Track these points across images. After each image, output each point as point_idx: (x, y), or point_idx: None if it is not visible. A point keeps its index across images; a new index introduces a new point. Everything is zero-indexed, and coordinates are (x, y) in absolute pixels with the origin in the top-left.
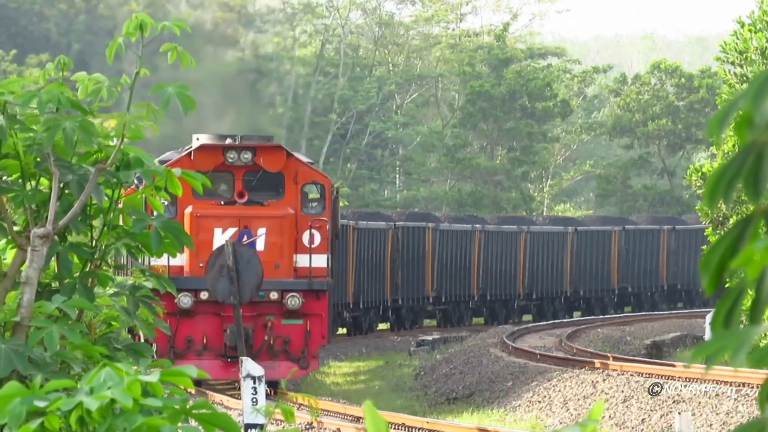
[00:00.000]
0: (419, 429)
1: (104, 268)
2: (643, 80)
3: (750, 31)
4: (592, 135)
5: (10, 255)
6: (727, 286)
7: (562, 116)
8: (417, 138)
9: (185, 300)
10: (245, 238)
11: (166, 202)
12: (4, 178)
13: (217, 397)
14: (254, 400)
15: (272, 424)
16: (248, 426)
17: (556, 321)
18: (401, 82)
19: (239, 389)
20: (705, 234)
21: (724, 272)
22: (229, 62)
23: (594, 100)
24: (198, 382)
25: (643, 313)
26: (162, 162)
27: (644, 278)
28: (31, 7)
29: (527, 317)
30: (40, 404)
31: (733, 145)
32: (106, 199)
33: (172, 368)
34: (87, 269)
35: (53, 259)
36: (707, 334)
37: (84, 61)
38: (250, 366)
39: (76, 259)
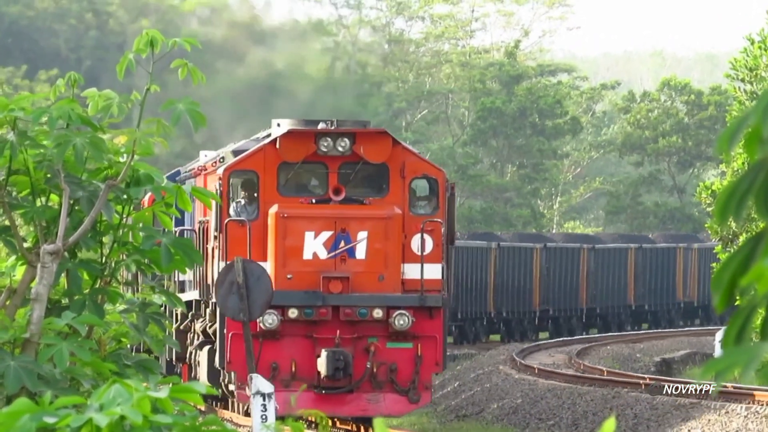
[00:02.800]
0: None
1: (114, 284)
2: (653, 97)
3: (760, 48)
4: (601, 152)
5: (20, 271)
6: (737, 303)
7: (572, 133)
8: (427, 155)
9: (270, 319)
10: (342, 243)
11: (243, 201)
12: (14, 194)
13: (227, 413)
14: (264, 417)
15: None
16: None
17: (566, 338)
18: (411, 100)
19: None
20: (623, 253)
21: (735, 289)
22: (239, 78)
23: (604, 117)
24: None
25: (654, 330)
26: (238, 152)
27: (564, 300)
28: (42, 23)
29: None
30: (50, 420)
31: (743, 163)
32: (116, 215)
33: (182, 385)
34: (97, 286)
35: (63, 275)
36: (717, 351)
37: (94, 77)
38: (259, 383)
39: (86, 276)
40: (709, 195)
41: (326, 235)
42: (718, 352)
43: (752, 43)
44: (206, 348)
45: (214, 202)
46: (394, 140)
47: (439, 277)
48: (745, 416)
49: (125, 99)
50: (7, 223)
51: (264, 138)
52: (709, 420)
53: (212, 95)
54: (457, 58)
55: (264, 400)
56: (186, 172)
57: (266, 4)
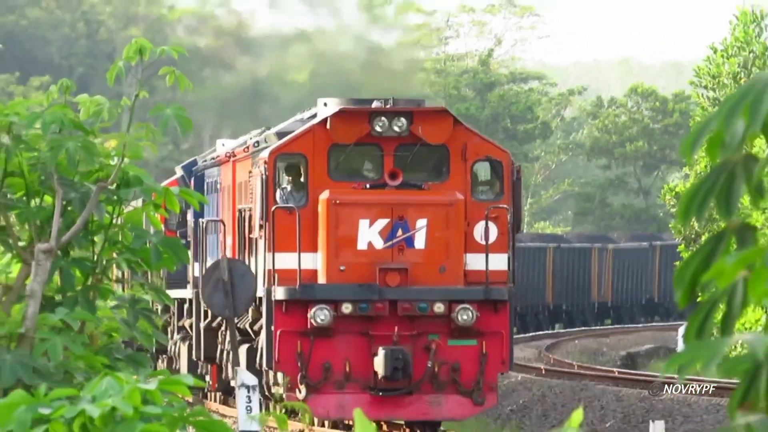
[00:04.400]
0: None
1: (105, 281)
2: (620, 103)
3: (722, 56)
4: (570, 155)
5: (15, 269)
6: (699, 299)
7: (542, 138)
8: None
9: (322, 315)
10: (400, 232)
11: (288, 188)
12: (10, 195)
13: (213, 405)
14: (248, 408)
15: (266, 431)
16: None
17: (535, 333)
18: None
19: None
20: (541, 252)
21: (697, 286)
22: (225, 84)
23: (573, 122)
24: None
25: (620, 325)
26: (282, 134)
27: None
28: (35, 31)
29: None
30: (45, 412)
31: (706, 166)
32: (107, 215)
33: (170, 377)
34: (89, 283)
35: (56, 273)
36: (680, 346)
37: (85, 83)
38: (244, 376)
39: (78, 273)
40: (673, 197)
41: (382, 223)
42: (680, 346)
43: (715, 52)
44: (244, 347)
45: (259, 188)
46: (455, 119)
47: (505, 267)
48: (706, 408)
49: (115, 105)
50: (2, 223)
51: (310, 118)
52: (672, 411)
53: (199, 100)
54: (431, 66)
55: (248, 392)
56: (206, 161)
57: (251, 14)
